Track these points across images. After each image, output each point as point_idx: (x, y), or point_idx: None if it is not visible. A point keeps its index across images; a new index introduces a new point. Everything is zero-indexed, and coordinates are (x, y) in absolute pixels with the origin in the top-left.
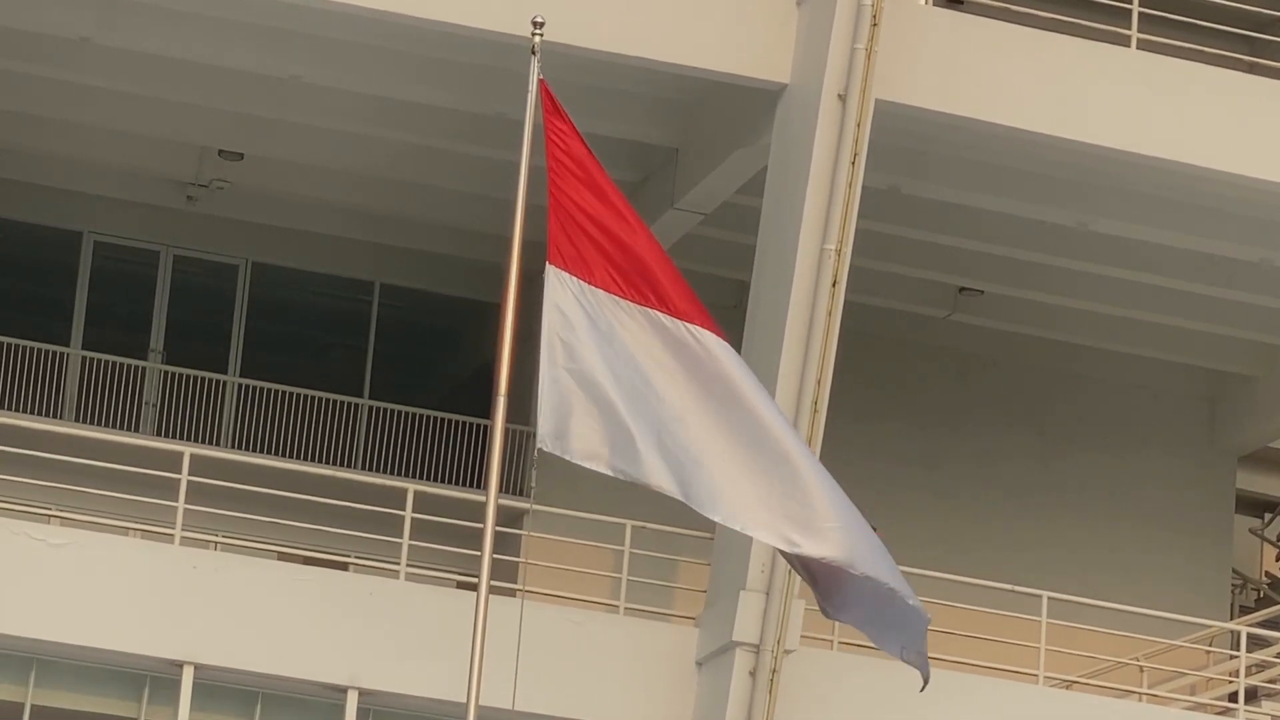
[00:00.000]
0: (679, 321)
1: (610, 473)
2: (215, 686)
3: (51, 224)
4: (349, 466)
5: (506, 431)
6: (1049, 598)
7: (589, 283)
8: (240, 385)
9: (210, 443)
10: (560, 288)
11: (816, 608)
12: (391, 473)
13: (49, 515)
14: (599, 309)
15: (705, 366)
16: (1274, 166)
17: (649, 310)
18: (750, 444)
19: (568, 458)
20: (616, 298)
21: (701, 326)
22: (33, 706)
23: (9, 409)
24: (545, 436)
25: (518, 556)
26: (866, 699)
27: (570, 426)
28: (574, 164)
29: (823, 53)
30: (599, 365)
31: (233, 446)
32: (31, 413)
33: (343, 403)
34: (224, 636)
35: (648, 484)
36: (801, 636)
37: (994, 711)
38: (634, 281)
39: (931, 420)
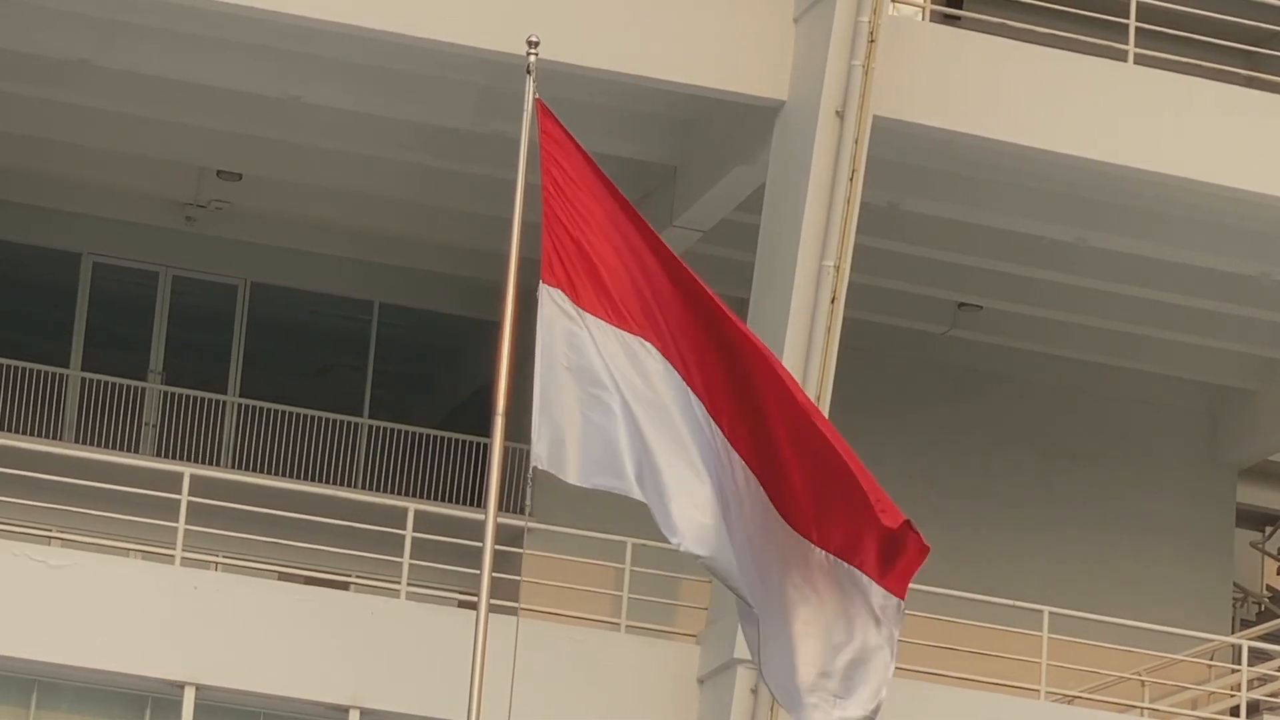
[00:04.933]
0: (651, 347)
1: (603, 488)
2: (217, 707)
3: (50, 245)
4: (349, 486)
5: (506, 450)
6: (1050, 613)
7: (578, 303)
8: (240, 405)
9: (210, 463)
10: (553, 305)
11: None
12: (392, 492)
13: (49, 536)
14: (588, 328)
15: (664, 394)
16: (1273, 180)
17: (627, 335)
18: (693, 463)
19: (562, 477)
20: (601, 320)
21: (660, 352)
22: None
23: (9, 430)
24: (540, 455)
25: (519, 575)
26: None
27: (564, 445)
28: (572, 183)
29: (820, 69)
30: (589, 384)
31: (233, 467)
32: (31, 434)
33: (342, 422)
34: (225, 657)
35: (636, 497)
36: None
37: None
38: (618, 306)
39: (931, 436)
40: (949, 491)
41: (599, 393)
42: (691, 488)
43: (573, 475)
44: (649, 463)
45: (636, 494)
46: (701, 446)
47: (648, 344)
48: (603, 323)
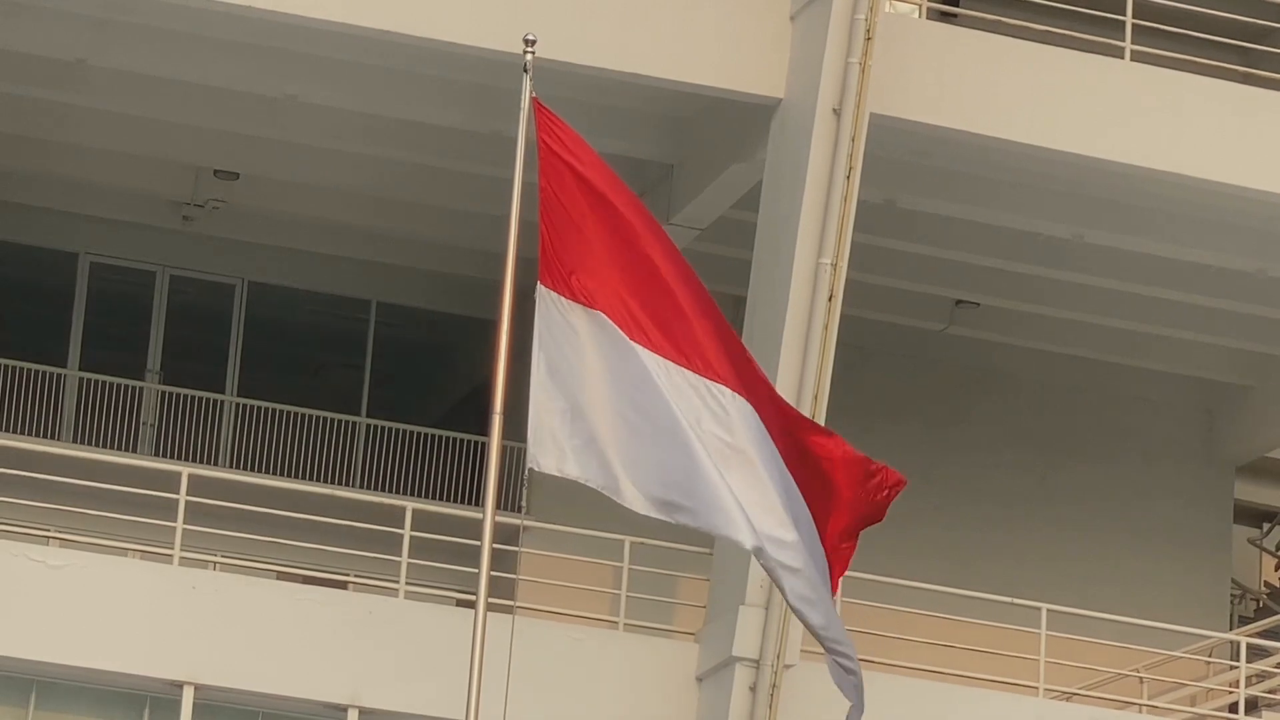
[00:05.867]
0: (654, 355)
1: (602, 490)
2: (216, 706)
3: (48, 245)
4: (347, 485)
5: (504, 449)
6: (1048, 610)
7: (580, 302)
8: (238, 405)
9: (208, 462)
10: (550, 308)
11: None
12: (390, 491)
13: (48, 536)
14: (589, 328)
15: (671, 398)
16: (1269, 176)
17: (633, 342)
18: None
19: (560, 475)
20: (606, 319)
21: (675, 363)
22: None
23: (7, 430)
24: (535, 456)
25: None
26: (867, 713)
27: (562, 446)
28: (573, 182)
29: (817, 67)
30: (588, 385)
31: (231, 466)
32: (29, 434)
33: (340, 421)
34: (224, 656)
35: (628, 505)
36: (801, 651)
37: None
38: (617, 307)
39: (928, 433)
40: (946, 489)
41: (598, 392)
42: (782, 541)
43: (570, 475)
44: (730, 497)
45: (623, 500)
46: (780, 482)
47: (713, 383)
48: (606, 319)
